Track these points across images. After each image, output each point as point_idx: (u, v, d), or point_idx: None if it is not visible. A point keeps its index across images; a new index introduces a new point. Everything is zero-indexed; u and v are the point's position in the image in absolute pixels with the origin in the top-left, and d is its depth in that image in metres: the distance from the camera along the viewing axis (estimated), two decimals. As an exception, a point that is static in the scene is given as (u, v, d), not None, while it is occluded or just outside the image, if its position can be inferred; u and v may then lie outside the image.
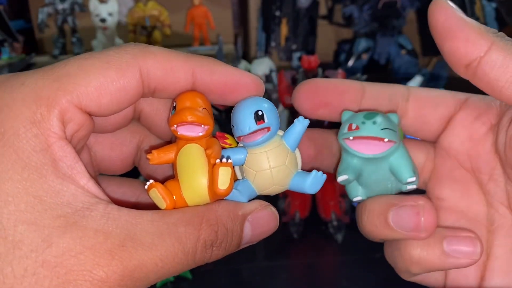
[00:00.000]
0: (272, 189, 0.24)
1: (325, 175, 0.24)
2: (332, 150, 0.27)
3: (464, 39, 0.21)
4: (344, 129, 0.25)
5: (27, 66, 0.79)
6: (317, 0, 0.92)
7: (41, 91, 0.19)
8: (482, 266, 0.25)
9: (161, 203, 0.21)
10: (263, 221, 0.23)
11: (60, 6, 0.85)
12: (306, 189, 0.24)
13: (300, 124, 0.24)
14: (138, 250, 0.18)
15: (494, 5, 0.89)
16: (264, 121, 0.23)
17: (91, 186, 0.19)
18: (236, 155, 0.24)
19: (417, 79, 0.90)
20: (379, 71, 0.98)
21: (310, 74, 0.56)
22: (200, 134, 0.22)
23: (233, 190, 0.23)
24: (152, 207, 0.22)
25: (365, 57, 0.90)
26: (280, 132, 0.24)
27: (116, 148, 0.25)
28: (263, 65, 0.71)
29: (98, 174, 0.26)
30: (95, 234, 0.18)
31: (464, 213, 0.26)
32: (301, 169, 0.25)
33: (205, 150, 0.22)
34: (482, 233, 0.25)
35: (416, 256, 0.24)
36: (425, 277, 0.27)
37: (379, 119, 0.24)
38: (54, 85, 0.19)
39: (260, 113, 0.23)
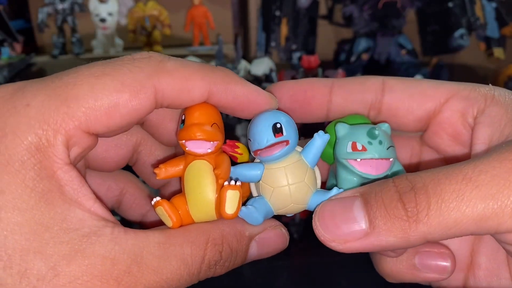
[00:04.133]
0: (290, 208, 0.23)
1: None
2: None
3: None
4: (347, 147, 0.23)
5: (27, 66, 0.79)
6: (317, 0, 0.91)
7: (48, 115, 0.18)
8: (466, 270, 0.25)
9: (168, 221, 0.21)
10: (270, 241, 0.23)
11: (60, 6, 0.85)
12: None
13: (320, 138, 0.22)
14: (145, 275, 0.18)
15: (494, 5, 0.89)
16: (282, 134, 0.22)
17: (98, 208, 0.19)
18: (252, 171, 0.22)
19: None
20: (379, 71, 0.98)
21: (310, 74, 0.56)
22: (209, 150, 0.21)
23: (249, 206, 0.22)
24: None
25: (365, 57, 0.90)
26: (299, 148, 0.23)
27: (111, 150, 0.25)
28: (263, 65, 0.71)
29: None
30: (102, 261, 0.18)
31: None
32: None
33: (214, 169, 0.21)
34: (469, 237, 0.25)
35: (388, 269, 0.24)
36: None
37: (382, 137, 0.22)
38: (61, 109, 0.18)
39: (278, 125, 0.22)
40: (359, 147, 0.22)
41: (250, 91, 0.22)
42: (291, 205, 0.23)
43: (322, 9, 0.95)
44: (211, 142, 0.21)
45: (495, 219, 0.18)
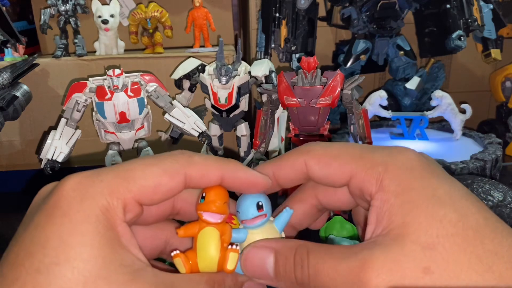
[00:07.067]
0: None
1: None
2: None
3: None
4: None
5: (30, 67, 0.79)
6: (316, 1, 0.92)
7: (114, 188, 0.27)
8: None
9: (182, 269, 0.29)
10: None
11: (62, 8, 0.86)
12: None
13: (287, 213, 0.32)
14: None
15: (491, 6, 0.90)
16: (263, 209, 0.30)
17: (141, 255, 0.27)
18: (239, 234, 0.31)
19: (415, 80, 0.91)
20: (377, 71, 0.99)
21: (309, 75, 0.57)
22: (219, 221, 0.29)
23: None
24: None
25: (363, 58, 0.91)
26: (272, 219, 0.32)
27: (147, 240, 0.32)
28: (263, 66, 0.71)
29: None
30: (149, 286, 0.26)
31: None
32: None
33: (221, 235, 0.29)
34: None
35: None
36: None
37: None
38: (124, 184, 0.27)
39: (260, 203, 0.30)
40: None
41: (251, 175, 0.30)
42: None
43: (322, 11, 0.96)
44: (221, 215, 0.29)
45: None
